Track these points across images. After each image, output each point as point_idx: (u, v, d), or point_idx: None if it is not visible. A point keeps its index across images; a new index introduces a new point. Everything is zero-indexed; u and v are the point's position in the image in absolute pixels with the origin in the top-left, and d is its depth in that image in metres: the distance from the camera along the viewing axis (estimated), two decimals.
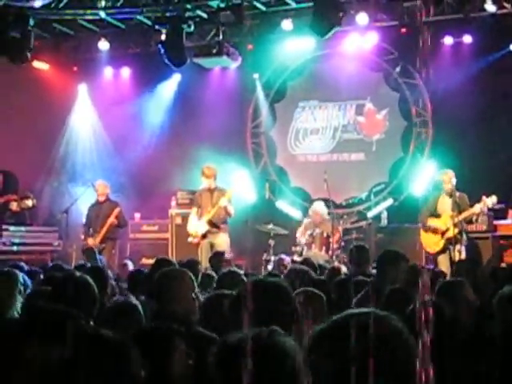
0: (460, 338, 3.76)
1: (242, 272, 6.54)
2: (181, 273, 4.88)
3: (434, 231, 10.49)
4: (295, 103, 14.98)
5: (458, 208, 10.25)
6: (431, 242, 10.53)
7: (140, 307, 4.66)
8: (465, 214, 10.32)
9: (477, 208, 10.31)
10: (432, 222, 10.51)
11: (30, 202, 12.49)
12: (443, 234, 10.41)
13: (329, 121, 14.74)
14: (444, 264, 10.13)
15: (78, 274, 4.71)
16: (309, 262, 7.98)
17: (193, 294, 4.59)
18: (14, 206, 12.41)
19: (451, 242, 10.25)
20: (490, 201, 10.34)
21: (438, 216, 10.58)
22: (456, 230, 10.23)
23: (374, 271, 7.15)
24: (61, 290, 4.31)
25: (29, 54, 12.25)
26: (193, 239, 11.40)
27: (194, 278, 4.76)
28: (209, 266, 8.68)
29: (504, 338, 3.50)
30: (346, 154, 14.60)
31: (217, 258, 8.92)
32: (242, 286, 5.34)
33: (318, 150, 14.82)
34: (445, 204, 10.55)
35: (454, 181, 10.43)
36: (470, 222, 10.60)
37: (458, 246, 10.21)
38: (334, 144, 14.70)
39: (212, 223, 11.27)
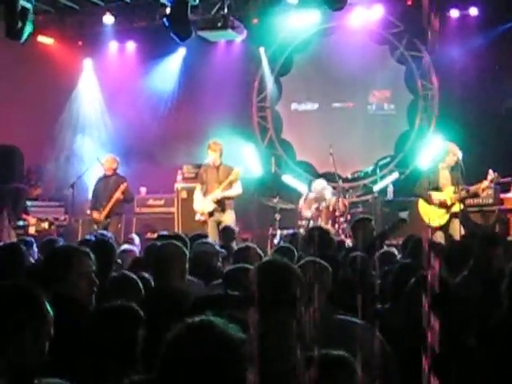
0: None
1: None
2: (181, 250, 4.87)
3: (440, 205, 10.29)
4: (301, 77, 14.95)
5: (463, 182, 10.20)
6: (435, 215, 10.18)
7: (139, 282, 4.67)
8: (472, 189, 10.27)
9: (484, 183, 10.23)
10: (436, 196, 10.29)
11: (46, 225, 12.46)
12: (448, 208, 10.26)
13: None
14: (441, 237, 9.95)
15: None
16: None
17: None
18: (31, 229, 12.33)
19: (456, 217, 10.17)
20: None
21: (438, 189, 10.34)
22: (461, 206, 10.16)
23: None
24: None
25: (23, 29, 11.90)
26: (200, 217, 11.33)
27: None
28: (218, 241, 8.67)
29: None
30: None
31: (227, 232, 8.94)
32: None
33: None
34: (446, 177, 10.37)
35: (460, 154, 10.26)
36: (475, 195, 10.56)
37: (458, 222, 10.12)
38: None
39: (218, 202, 11.18)
